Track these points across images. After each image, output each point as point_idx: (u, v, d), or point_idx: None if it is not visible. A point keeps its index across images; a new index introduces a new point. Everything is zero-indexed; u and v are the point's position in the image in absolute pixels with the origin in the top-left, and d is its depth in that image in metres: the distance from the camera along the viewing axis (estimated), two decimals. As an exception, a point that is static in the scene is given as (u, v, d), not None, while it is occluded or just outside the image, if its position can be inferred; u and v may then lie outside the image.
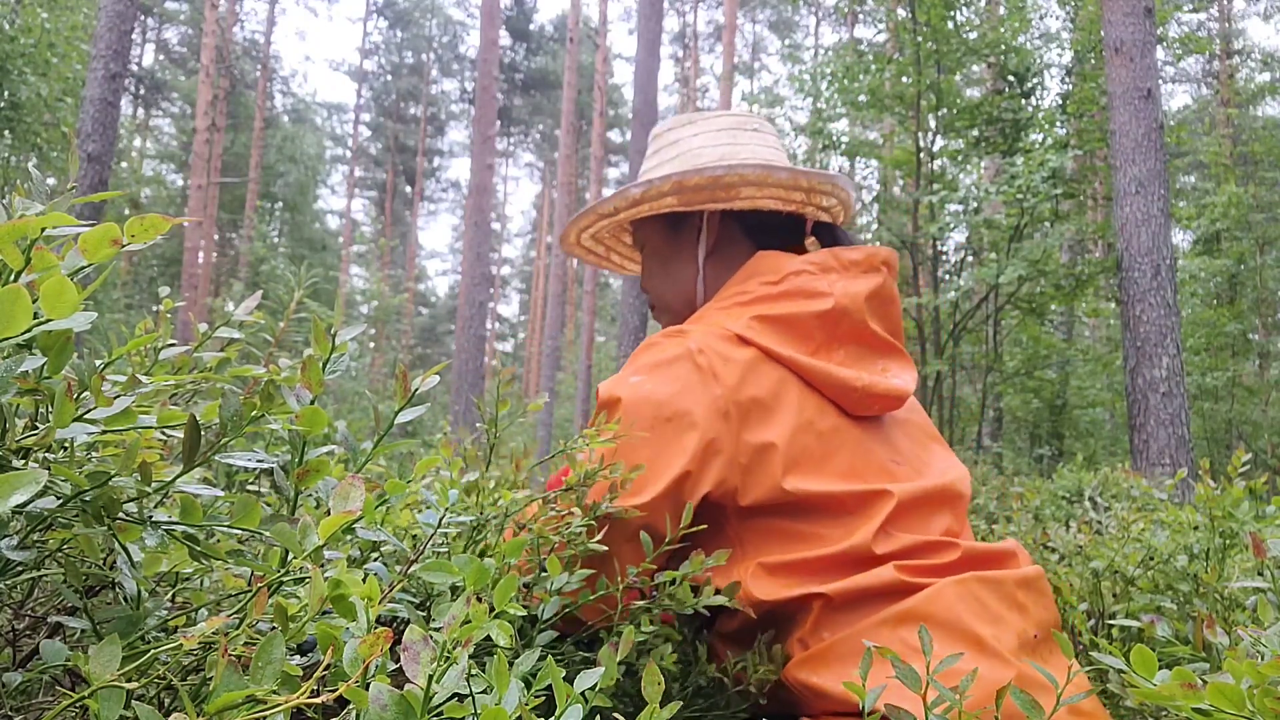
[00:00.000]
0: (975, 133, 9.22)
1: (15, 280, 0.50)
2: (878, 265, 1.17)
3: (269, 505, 0.78)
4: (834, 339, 1.11)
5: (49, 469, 0.49)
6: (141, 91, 27.33)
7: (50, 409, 0.53)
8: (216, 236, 24.00)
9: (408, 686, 0.43)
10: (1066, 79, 9.50)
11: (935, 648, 0.89)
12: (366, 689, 0.43)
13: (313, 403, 0.65)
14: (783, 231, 1.26)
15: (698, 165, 1.19)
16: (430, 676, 0.43)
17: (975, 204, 8.43)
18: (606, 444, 0.97)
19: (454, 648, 0.46)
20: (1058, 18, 10.15)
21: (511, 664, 0.55)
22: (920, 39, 8.68)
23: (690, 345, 1.05)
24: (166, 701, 0.60)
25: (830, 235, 1.29)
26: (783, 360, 1.07)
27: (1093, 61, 9.01)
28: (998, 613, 0.95)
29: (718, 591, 0.96)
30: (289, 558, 0.52)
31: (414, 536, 0.84)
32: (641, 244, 1.34)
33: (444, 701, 0.44)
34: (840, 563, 0.99)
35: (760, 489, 1.01)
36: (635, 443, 1.00)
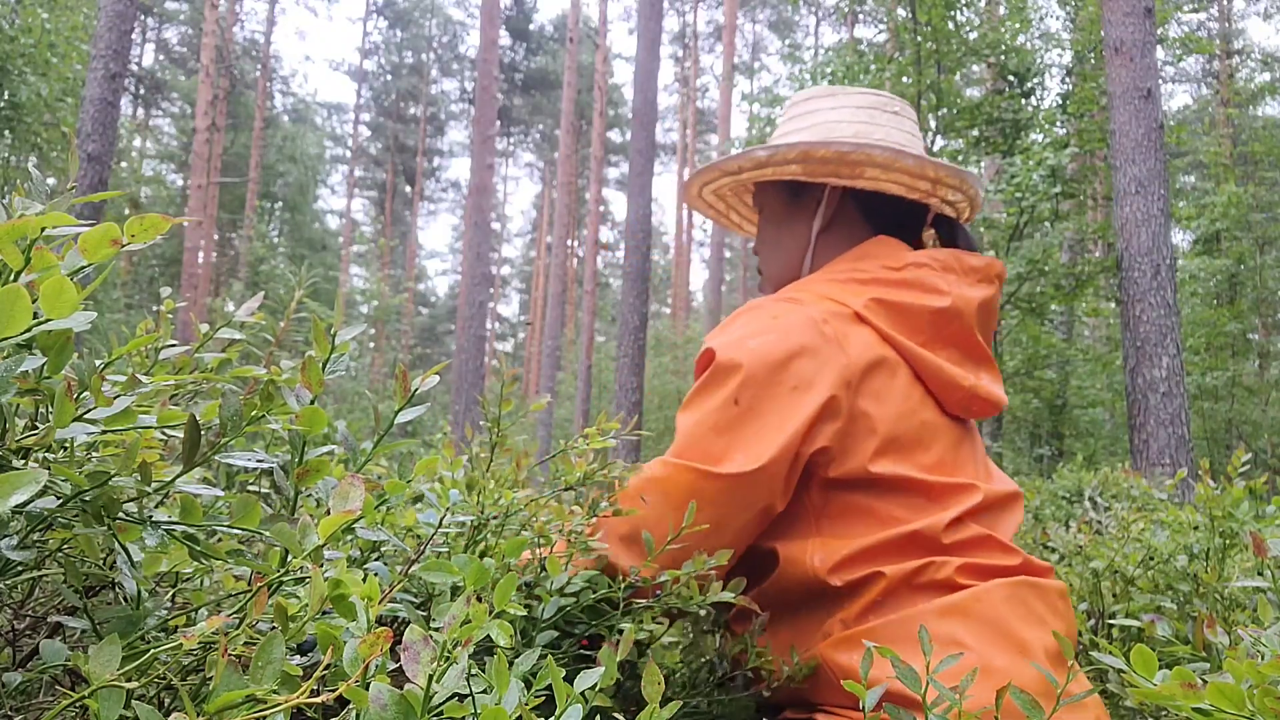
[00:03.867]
0: (975, 133, 9.21)
1: (15, 280, 0.50)
2: (993, 277, 1.17)
3: (274, 500, 0.78)
4: (940, 338, 1.10)
5: (49, 469, 0.49)
6: (141, 91, 27.30)
7: (50, 409, 0.53)
8: (216, 236, 23.98)
9: (408, 686, 0.43)
10: (1066, 79, 9.49)
11: (976, 645, 0.90)
12: (366, 689, 0.43)
13: (313, 403, 0.65)
14: (901, 219, 1.22)
15: (828, 138, 1.17)
16: (430, 676, 0.43)
17: (975, 204, 8.41)
18: (605, 444, 0.98)
19: (454, 648, 0.46)
20: (1058, 18, 10.14)
21: (511, 664, 0.55)
22: (920, 39, 8.67)
23: (813, 314, 1.04)
24: (166, 701, 0.60)
25: (949, 230, 1.26)
26: (897, 346, 1.07)
27: (1093, 61, 9.00)
28: (1041, 616, 0.96)
29: (727, 587, 0.96)
30: (289, 558, 0.52)
31: (416, 536, 0.84)
32: (760, 206, 1.32)
33: (444, 701, 0.44)
34: (906, 545, 0.98)
35: (853, 463, 1.01)
36: (759, 407, 0.99)
